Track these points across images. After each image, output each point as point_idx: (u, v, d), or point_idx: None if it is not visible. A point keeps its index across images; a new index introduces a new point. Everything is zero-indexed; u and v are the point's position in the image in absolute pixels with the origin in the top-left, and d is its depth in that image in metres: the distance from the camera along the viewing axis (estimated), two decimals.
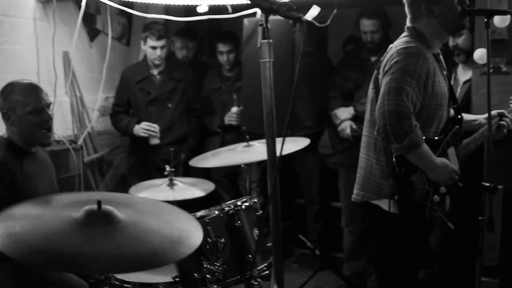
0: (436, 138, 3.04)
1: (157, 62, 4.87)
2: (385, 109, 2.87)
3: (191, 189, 3.73)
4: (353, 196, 3.30)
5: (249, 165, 3.66)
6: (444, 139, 3.08)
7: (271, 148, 2.14)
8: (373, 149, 3.11)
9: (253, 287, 3.26)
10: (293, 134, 4.29)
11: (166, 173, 3.71)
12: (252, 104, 4.34)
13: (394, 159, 2.95)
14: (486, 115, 3.13)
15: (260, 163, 4.16)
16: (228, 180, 5.30)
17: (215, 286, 2.77)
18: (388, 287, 3.39)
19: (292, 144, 3.58)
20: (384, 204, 3.07)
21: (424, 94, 2.95)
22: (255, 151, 3.52)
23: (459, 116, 3.20)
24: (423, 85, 2.92)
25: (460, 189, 3.20)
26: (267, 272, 3.05)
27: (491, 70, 3.43)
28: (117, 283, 2.99)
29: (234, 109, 5.02)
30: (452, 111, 3.21)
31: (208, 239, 2.76)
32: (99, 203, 2.08)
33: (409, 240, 3.15)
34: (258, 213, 3.05)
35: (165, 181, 3.77)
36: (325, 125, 5.02)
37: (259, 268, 2.95)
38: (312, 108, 4.98)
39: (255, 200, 3.08)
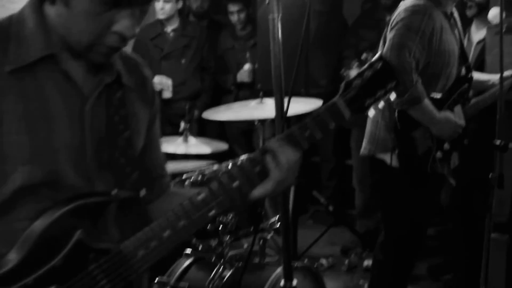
0: (439, 96, 3.06)
1: (161, 16, 4.94)
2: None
3: (204, 146, 3.81)
4: (361, 150, 3.36)
5: (262, 122, 3.72)
6: (450, 97, 3.11)
7: (279, 103, 2.19)
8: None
9: (266, 241, 3.37)
10: (307, 92, 4.33)
11: (181, 129, 3.78)
12: (266, 62, 4.37)
13: (396, 114, 2.99)
14: (499, 75, 3.16)
15: (274, 121, 4.20)
16: (244, 138, 5.37)
17: (227, 238, 2.84)
18: (393, 243, 3.47)
19: (305, 105, 3.62)
20: (388, 158, 3.13)
21: (428, 52, 2.98)
22: (268, 108, 3.57)
23: (469, 75, 3.22)
24: (428, 42, 2.95)
25: (471, 148, 3.24)
26: (278, 225, 3.13)
27: (504, 30, 3.43)
28: None
29: (247, 67, 5.09)
30: (463, 70, 3.22)
31: None
32: None
33: (412, 195, 3.22)
34: None
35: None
36: (339, 85, 5.05)
37: (270, 221, 3.03)
38: (326, 67, 5.01)
39: None
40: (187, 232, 1.52)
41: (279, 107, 2.16)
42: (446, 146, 3.10)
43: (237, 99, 5.11)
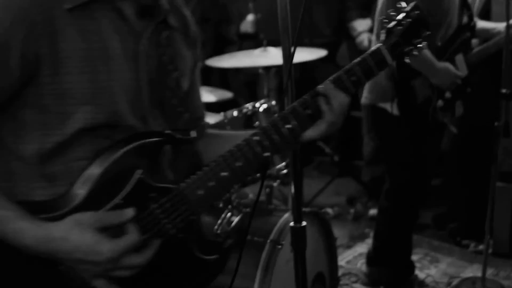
0: (439, 44, 3.05)
1: None
2: (383, 13, 2.89)
3: (208, 95, 3.80)
4: (362, 99, 3.38)
5: (267, 70, 3.71)
6: (451, 46, 3.09)
7: (286, 51, 2.15)
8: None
9: (273, 188, 3.40)
10: (311, 42, 4.30)
11: None
12: (270, 11, 4.32)
13: (394, 63, 2.99)
14: (505, 23, 3.15)
15: (278, 72, 4.22)
16: (247, 89, 5.36)
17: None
18: (397, 191, 3.50)
19: (309, 54, 3.60)
20: (389, 107, 3.14)
21: (426, 1, 2.95)
22: (272, 57, 3.55)
23: (471, 24, 3.19)
24: None
25: (475, 96, 3.23)
26: (285, 171, 3.15)
27: None
28: None
29: (250, 17, 5.03)
30: (465, 19, 3.20)
31: None
32: None
33: (413, 143, 3.24)
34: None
35: None
36: (343, 35, 5.00)
37: (277, 166, 3.04)
38: (330, 16, 4.96)
39: (274, 102, 3.14)
40: (243, 173, 1.53)
41: (287, 58, 2.13)
42: (448, 95, 3.11)
43: (240, 50, 5.06)
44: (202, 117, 1.81)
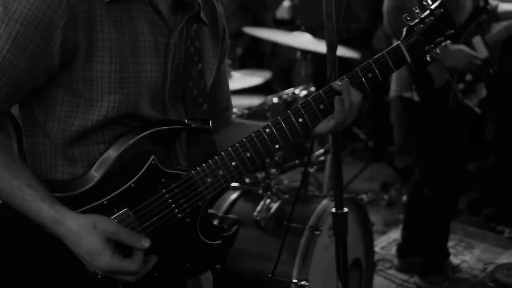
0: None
1: None
2: (388, 5, 3.02)
3: (248, 78, 3.82)
4: (390, 93, 3.42)
5: (304, 55, 3.71)
6: (466, 29, 3.07)
7: (330, 38, 2.15)
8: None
9: (309, 174, 3.42)
10: (348, 27, 4.29)
11: None
12: None
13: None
14: None
15: (314, 58, 4.22)
16: (283, 75, 5.36)
17: (273, 170, 2.87)
18: (430, 178, 3.50)
19: (342, 51, 3.60)
20: (413, 95, 3.16)
21: None
22: (308, 42, 3.55)
23: (487, 6, 3.17)
24: None
25: (499, 77, 3.19)
26: (323, 158, 3.16)
27: None
28: None
29: (286, 3, 5.03)
30: (481, 1, 3.17)
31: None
32: None
33: (439, 128, 3.23)
34: None
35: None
36: (379, 19, 4.98)
37: (316, 153, 3.05)
38: (366, 1, 4.93)
39: (313, 88, 3.14)
40: (253, 164, 1.60)
41: (331, 45, 2.13)
42: (468, 77, 3.10)
43: None
44: (227, 108, 1.87)
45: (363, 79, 1.65)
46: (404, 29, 1.69)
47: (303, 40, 3.64)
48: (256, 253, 2.71)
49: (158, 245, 1.50)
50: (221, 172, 1.57)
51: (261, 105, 2.98)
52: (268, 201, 2.78)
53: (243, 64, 4.89)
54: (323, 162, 3.64)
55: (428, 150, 3.46)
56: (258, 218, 2.71)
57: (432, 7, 1.69)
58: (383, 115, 5.44)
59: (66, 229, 1.41)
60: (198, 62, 1.63)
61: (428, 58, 1.72)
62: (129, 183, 1.50)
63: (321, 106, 1.63)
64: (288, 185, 3.41)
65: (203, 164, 1.56)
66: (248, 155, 1.58)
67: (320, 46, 3.58)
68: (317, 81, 5.10)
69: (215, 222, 2.76)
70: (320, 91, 1.64)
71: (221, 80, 1.82)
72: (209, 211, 2.78)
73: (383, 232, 4.32)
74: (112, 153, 1.50)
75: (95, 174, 1.49)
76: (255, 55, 4.69)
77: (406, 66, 3.13)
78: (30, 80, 1.44)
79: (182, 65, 1.60)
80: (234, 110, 3.05)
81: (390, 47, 1.68)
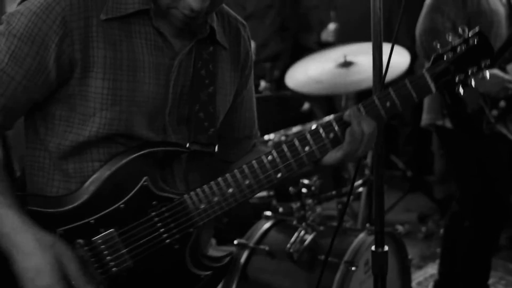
0: None
1: None
2: (420, 28, 3.10)
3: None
4: (422, 122, 3.38)
5: None
6: (500, 56, 3.00)
7: (377, 62, 2.06)
8: None
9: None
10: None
11: (261, 88, 3.75)
12: (351, 21, 4.27)
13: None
14: None
15: None
16: (324, 98, 5.27)
17: (310, 201, 2.79)
18: (471, 211, 3.40)
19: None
20: (446, 122, 3.13)
21: (465, 12, 3.01)
22: (354, 72, 3.44)
23: None
24: (462, 3, 3.00)
25: None
26: (362, 189, 3.06)
27: None
28: None
29: (332, 26, 4.97)
30: None
31: None
32: None
33: (473, 156, 3.18)
34: None
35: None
36: None
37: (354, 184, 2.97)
38: (410, 25, 4.83)
39: None
40: (251, 192, 1.53)
41: (377, 64, 2.03)
42: (502, 104, 3.02)
43: None
44: (250, 136, 1.81)
45: (381, 108, 1.55)
46: (433, 56, 1.59)
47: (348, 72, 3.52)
48: (288, 287, 2.65)
49: (142, 271, 1.49)
50: (216, 199, 1.51)
51: (299, 132, 2.90)
52: (302, 232, 2.70)
53: (280, 87, 4.79)
54: (360, 192, 3.54)
55: (464, 180, 3.39)
56: (291, 250, 2.63)
57: (469, 35, 1.59)
58: (422, 143, 5.33)
59: (23, 238, 1.38)
60: (210, 85, 1.59)
61: (460, 90, 1.61)
62: (118, 204, 1.48)
63: (331, 135, 1.53)
64: (321, 214, 3.31)
65: (197, 189, 1.51)
66: (247, 182, 1.52)
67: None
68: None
69: (246, 253, 2.72)
70: (331, 119, 1.55)
71: (244, 106, 1.76)
72: (240, 241, 2.75)
73: (419, 267, 4.18)
74: (104, 172, 1.48)
75: (86, 191, 1.48)
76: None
77: (438, 91, 3.09)
78: (27, 94, 1.46)
79: (188, 87, 1.57)
80: (271, 136, 3.00)
81: (415, 75, 1.58)
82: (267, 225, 2.84)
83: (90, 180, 1.49)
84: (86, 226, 1.46)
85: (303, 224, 2.75)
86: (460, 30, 1.59)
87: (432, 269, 4.09)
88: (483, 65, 1.59)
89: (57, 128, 1.50)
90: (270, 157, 1.51)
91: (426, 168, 5.27)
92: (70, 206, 1.47)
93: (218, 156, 1.70)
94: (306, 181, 2.74)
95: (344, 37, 4.46)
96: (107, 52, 1.46)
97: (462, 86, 1.61)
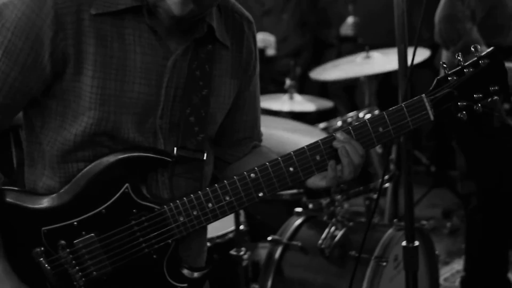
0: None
1: None
2: (440, 15, 3.01)
3: (309, 103, 3.77)
4: None
5: (369, 77, 3.63)
6: None
7: (402, 54, 2.07)
8: None
9: (373, 201, 3.31)
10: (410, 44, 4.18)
11: (286, 86, 3.75)
12: (369, 14, 4.26)
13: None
14: None
15: (377, 76, 4.14)
16: (346, 94, 5.26)
17: (338, 196, 2.81)
18: (482, 204, 3.37)
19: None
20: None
21: (485, 2, 2.97)
22: (375, 63, 3.46)
23: None
24: None
25: None
26: (387, 184, 3.07)
27: None
28: None
29: (350, 19, 4.95)
30: None
31: None
32: None
33: (484, 150, 3.20)
34: None
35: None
36: None
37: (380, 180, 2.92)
38: (430, 19, 4.80)
39: (377, 111, 3.08)
40: (231, 209, 1.49)
41: (402, 57, 2.05)
42: None
43: (339, 53, 4.98)
44: (251, 138, 1.72)
45: (372, 133, 1.47)
46: (436, 79, 1.47)
47: (369, 63, 3.54)
48: (321, 283, 2.66)
49: (122, 276, 1.48)
50: (195, 213, 1.47)
51: (325, 129, 2.92)
52: (332, 228, 2.72)
53: (303, 84, 4.80)
54: (386, 188, 3.54)
55: (476, 173, 3.38)
56: (323, 246, 2.65)
57: (480, 54, 1.46)
58: (445, 138, 5.29)
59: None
60: (204, 87, 1.52)
61: (462, 116, 1.47)
62: (100, 208, 1.46)
63: (317, 157, 1.48)
64: (348, 210, 3.33)
65: (178, 201, 1.47)
66: (228, 198, 1.48)
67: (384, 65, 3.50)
68: (381, 101, 5.01)
69: (280, 249, 2.74)
70: (319, 140, 1.49)
71: (245, 108, 1.67)
72: (274, 237, 2.78)
73: (446, 263, 4.15)
74: (88, 173, 1.46)
75: (70, 191, 1.46)
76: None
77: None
78: (24, 90, 1.43)
79: (182, 90, 1.51)
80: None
81: (412, 100, 1.46)
82: (298, 221, 2.86)
83: (74, 180, 1.47)
84: (69, 228, 1.46)
85: (333, 220, 2.76)
86: (472, 48, 1.46)
87: (458, 265, 4.07)
88: (492, 91, 1.46)
89: (53, 123, 1.47)
90: (253, 175, 1.47)
91: (449, 162, 5.24)
92: (55, 205, 1.46)
93: (216, 155, 1.68)
94: None
95: (364, 30, 4.44)
96: (98, 48, 1.41)
97: (465, 113, 1.49)
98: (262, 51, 4.91)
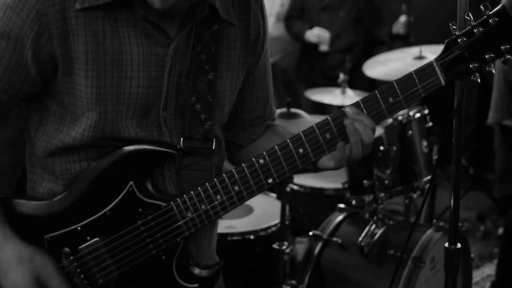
0: None
1: None
2: None
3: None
4: (488, 120, 3.30)
5: None
6: None
7: None
8: (502, 68, 3.01)
9: (411, 200, 3.31)
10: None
11: (339, 81, 3.78)
12: (423, 14, 4.22)
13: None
14: None
15: None
16: None
17: (382, 194, 2.80)
18: None
19: None
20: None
21: None
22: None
23: None
24: None
25: None
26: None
27: None
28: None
29: (403, 18, 4.96)
30: None
31: (381, 146, 2.78)
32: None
33: None
34: (427, 125, 3.05)
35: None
36: None
37: (424, 180, 2.96)
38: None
39: (426, 111, 3.05)
40: (240, 199, 1.41)
41: None
42: None
43: (390, 50, 4.97)
44: (263, 116, 1.63)
45: (382, 104, 1.40)
46: (446, 41, 1.40)
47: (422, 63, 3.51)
48: (358, 280, 2.66)
49: (129, 282, 1.42)
50: (203, 207, 1.40)
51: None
52: (373, 226, 2.72)
53: (351, 79, 4.79)
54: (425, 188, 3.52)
55: None
56: (362, 244, 2.65)
57: (489, 12, 1.37)
58: (485, 140, 5.24)
59: (1, 253, 1.35)
60: (210, 71, 1.43)
61: (475, 78, 1.41)
62: (104, 210, 1.39)
63: (328, 136, 1.40)
64: (385, 208, 3.33)
65: (185, 196, 1.39)
66: (236, 188, 1.39)
67: None
68: (430, 100, 4.98)
69: (320, 245, 2.75)
70: (328, 117, 1.40)
71: (255, 85, 1.58)
72: (315, 232, 2.78)
73: (477, 266, 4.12)
74: (89, 174, 1.39)
75: (72, 195, 1.40)
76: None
77: (506, 89, 3.00)
78: (10, 91, 1.37)
79: (186, 76, 1.42)
80: None
81: (421, 65, 1.40)
82: (340, 217, 2.87)
83: (76, 182, 1.40)
84: (72, 233, 1.39)
85: (375, 217, 2.76)
86: (482, 6, 1.38)
87: (489, 270, 4.05)
88: (504, 49, 1.38)
89: (49, 125, 1.41)
90: (262, 161, 1.39)
91: (487, 165, 5.19)
92: (57, 210, 1.40)
93: (228, 139, 1.60)
94: (380, 174, 2.76)
95: (416, 30, 4.42)
96: (89, 46, 1.33)
97: (478, 75, 1.41)
98: (315, 46, 4.95)
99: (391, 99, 1.40)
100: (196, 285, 1.45)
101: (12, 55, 1.34)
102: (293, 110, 2.83)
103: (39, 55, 1.34)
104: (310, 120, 2.75)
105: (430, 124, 3.04)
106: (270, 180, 1.41)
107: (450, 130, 1.85)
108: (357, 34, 5.12)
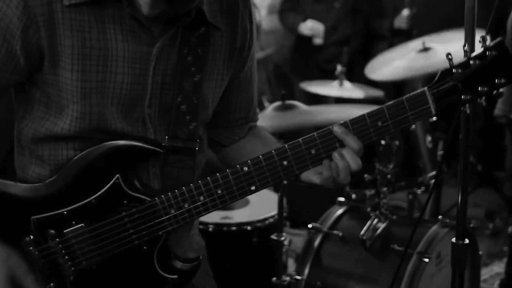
0: None
1: None
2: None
3: (358, 91, 3.71)
4: (495, 111, 3.25)
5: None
6: None
7: (470, 43, 1.97)
8: None
9: (415, 195, 3.25)
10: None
11: (337, 72, 3.71)
12: (426, 6, 4.16)
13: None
14: None
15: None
16: (394, 88, 5.17)
17: (385, 188, 2.75)
18: None
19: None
20: None
21: None
22: (433, 57, 3.35)
23: None
24: None
25: None
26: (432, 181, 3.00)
27: None
28: None
29: (405, 12, 4.85)
30: None
31: (382, 140, 2.73)
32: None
33: None
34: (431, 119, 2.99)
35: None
36: (502, 34, 4.74)
37: (429, 175, 2.90)
38: (486, 13, 4.69)
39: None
40: (222, 202, 1.47)
41: (470, 47, 1.95)
42: None
43: (391, 46, 4.86)
44: (246, 118, 1.70)
45: (370, 127, 1.42)
46: (440, 71, 1.41)
47: (426, 57, 3.42)
48: (360, 274, 2.63)
49: (111, 267, 1.49)
50: (186, 206, 1.46)
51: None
52: (375, 220, 2.68)
53: (350, 72, 4.72)
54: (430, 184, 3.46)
55: None
56: (364, 237, 2.61)
57: (488, 45, 1.38)
58: (494, 137, 5.17)
59: None
60: (196, 73, 1.48)
61: (465, 109, 1.43)
62: (90, 198, 1.45)
63: (313, 151, 1.44)
64: (387, 203, 3.28)
65: (169, 194, 1.46)
66: (219, 192, 1.46)
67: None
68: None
69: (320, 237, 2.72)
70: (315, 133, 1.44)
71: (240, 88, 1.64)
72: (314, 225, 2.74)
73: (485, 264, 4.07)
74: (77, 162, 1.45)
75: (60, 180, 1.45)
76: (364, 63, 4.51)
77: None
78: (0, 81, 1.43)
79: (170, 76, 1.48)
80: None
81: (413, 93, 1.41)
82: (340, 211, 2.84)
83: (64, 168, 1.46)
84: (59, 217, 1.45)
85: (377, 212, 2.72)
86: (479, 38, 1.40)
87: (498, 268, 4.01)
88: (497, 84, 1.39)
89: (35, 113, 1.47)
90: (246, 168, 1.45)
91: (496, 162, 5.12)
92: (44, 194, 1.46)
93: (211, 137, 1.67)
94: (382, 168, 2.70)
95: (419, 22, 4.35)
96: (74, 40, 1.38)
97: (468, 106, 1.44)
98: (309, 39, 4.88)
99: (379, 123, 1.42)
100: (175, 276, 1.51)
101: (2, 45, 1.38)
102: (288, 102, 2.81)
103: (27, 45, 1.38)
104: (307, 109, 2.71)
105: (434, 118, 2.97)
106: (253, 188, 1.47)
107: (457, 126, 1.82)
108: (354, 26, 5.01)
